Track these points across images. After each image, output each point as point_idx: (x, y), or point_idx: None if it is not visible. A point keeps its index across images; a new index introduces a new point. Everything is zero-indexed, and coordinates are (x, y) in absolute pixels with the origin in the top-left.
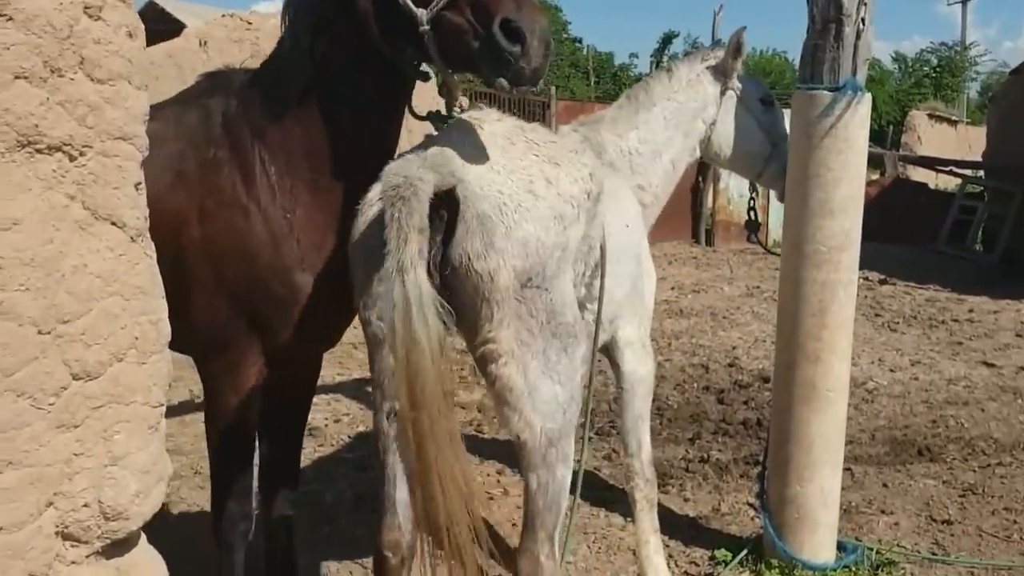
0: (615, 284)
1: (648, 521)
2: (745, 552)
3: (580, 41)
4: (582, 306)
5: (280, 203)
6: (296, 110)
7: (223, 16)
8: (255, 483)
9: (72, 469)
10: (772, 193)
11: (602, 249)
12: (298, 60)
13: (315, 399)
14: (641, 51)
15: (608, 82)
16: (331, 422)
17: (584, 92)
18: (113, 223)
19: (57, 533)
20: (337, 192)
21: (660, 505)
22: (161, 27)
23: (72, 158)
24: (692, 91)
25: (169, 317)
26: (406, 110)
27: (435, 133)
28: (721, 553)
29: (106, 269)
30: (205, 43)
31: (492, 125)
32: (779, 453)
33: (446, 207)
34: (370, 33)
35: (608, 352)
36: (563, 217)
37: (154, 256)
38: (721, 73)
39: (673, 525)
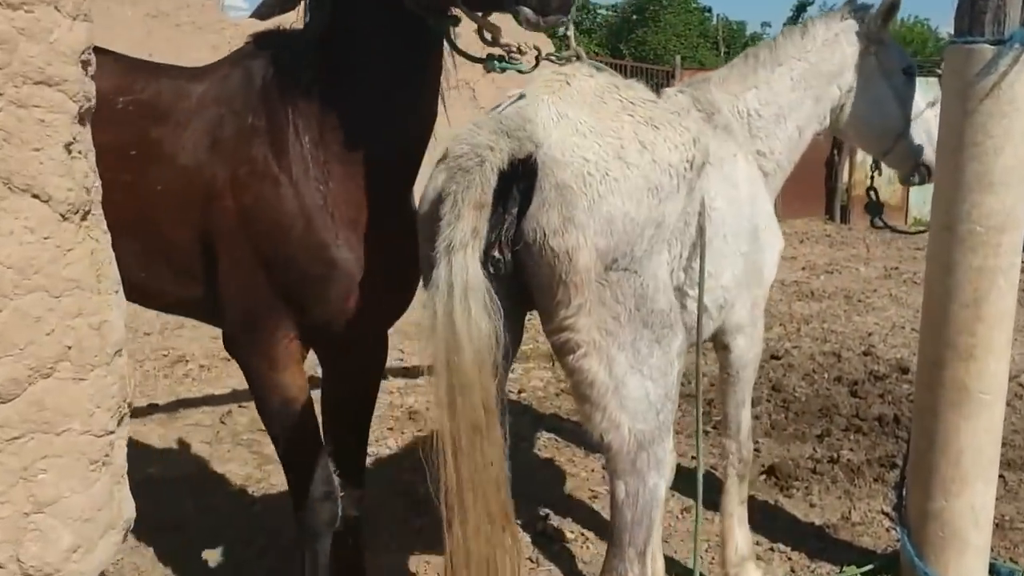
0: (726, 265)
1: (736, 494)
2: (873, 567)
3: (709, 11)
4: (681, 292)
5: (313, 175)
6: (326, 74)
7: None
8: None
9: None
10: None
11: (701, 228)
12: (320, 19)
13: (418, 380)
14: (774, 20)
15: (738, 51)
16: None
17: (713, 62)
18: (35, 195)
19: None
20: (372, 163)
21: (782, 511)
22: None
23: None
24: (828, 52)
25: (207, 292)
26: (447, 60)
27: (513, 95)
28: (850, 570)
29: (23, 257)
30: None
31: (582, 81)
32: (921, 462)
33: (524, 175)
34: None
35: (716, 334)
36: (659, 189)
37: (103, 239)
38: (864, 36)
39: (797, 534)
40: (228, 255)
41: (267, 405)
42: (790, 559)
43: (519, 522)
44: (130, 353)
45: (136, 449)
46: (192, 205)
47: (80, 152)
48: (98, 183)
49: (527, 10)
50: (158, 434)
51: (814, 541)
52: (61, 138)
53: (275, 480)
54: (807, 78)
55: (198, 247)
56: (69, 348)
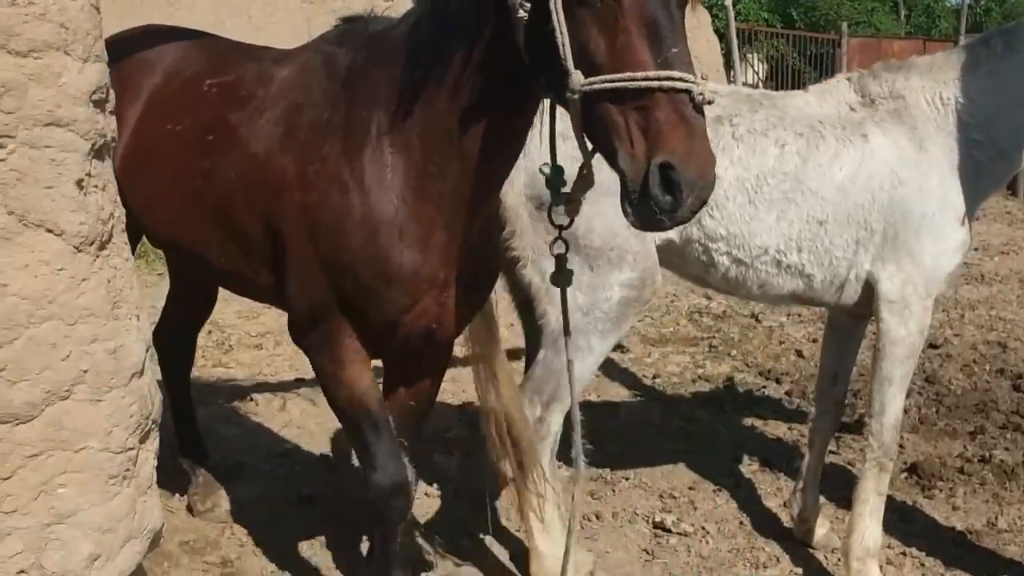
0: (761, 229)
1: (873, 481)
2: None
3: None
4: (690, 242)
5: (388, 186)
6: (425, 84)
7: None
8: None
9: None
10: None
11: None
12: (451, 33)
13: None
14: None
15: (920, 15)
16: None
17: (891, 28)
18: (48, 230)
19: None
20: (454, 182)
21: (921, 512)
22: None
23: None
24: None
25: (278, 282)
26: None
27: None
28: None
29: (37, 288)
30: None
31: None
32: None
33: None
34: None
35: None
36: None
37: (123, 267)
38: None
39: (934, 539)
40: (292, 251)
41: (335, 401)
42: (923, 565)
43: (636, 512)
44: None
45: (276, 423)
46: (262, 194)
47: (96, 186)
48: (118, 212)
49: (632, 218)
50: (300, 408)
51: (952, 547)
52: (72, 175)
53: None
54: None
55: (268, 237)
56: (85, 372)
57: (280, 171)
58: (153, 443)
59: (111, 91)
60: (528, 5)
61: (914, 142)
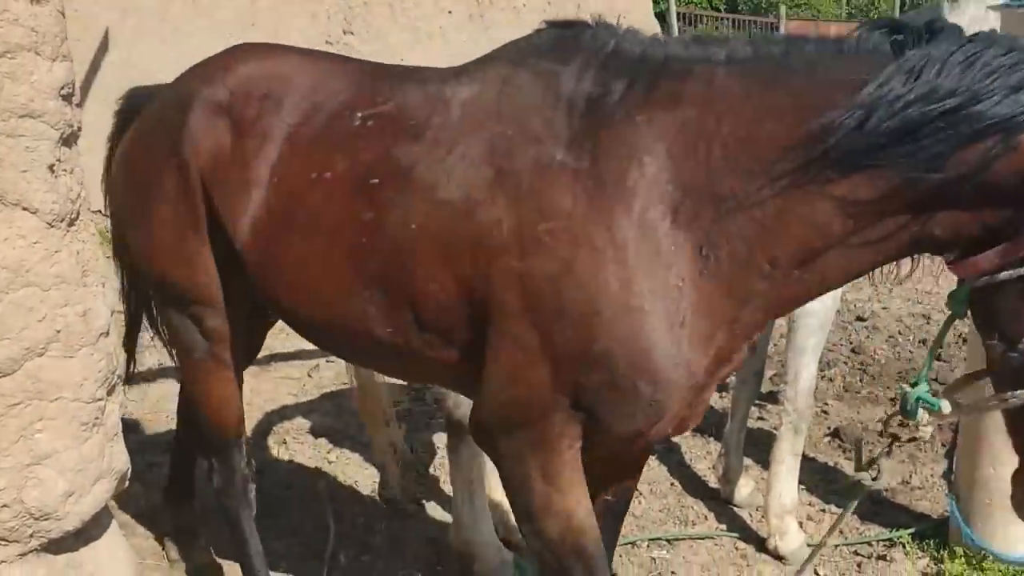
0: None
1: (789, 443)
2: (917, 531)
3: None
4: None
5: (668, 261)
6: (765, 174)
7: None
8: None
9: None
10: None
11: None
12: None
13: None
14: None
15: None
16: None
17: (830, 11)
18: (24, 208)
19: None
20: (764, 270)
21: (841, 472)
22: None
23: None
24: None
25: (463, 361)
26: None
27: None
28: (899, 533)
29: (15, 259)
30: None
31: None
32: (970, 430)
33: None
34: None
35: None
36: None
37: (90, 240)
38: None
39: (852, 496)
40: (502, 331)
41: (541, 531)
42: None
43: None
44: None
45: None
46: (458, 254)
47: (65, 170)
48: (84, 193)
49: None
50: (250, 386)
51: (869, 504)
52: (45, 160)
53: (353, 432)
54: None
55: (464, 307)
56: (58, 332)
57: (489, 227)
58: (118, 396)
59: (76, 86)
60: None
61: None
